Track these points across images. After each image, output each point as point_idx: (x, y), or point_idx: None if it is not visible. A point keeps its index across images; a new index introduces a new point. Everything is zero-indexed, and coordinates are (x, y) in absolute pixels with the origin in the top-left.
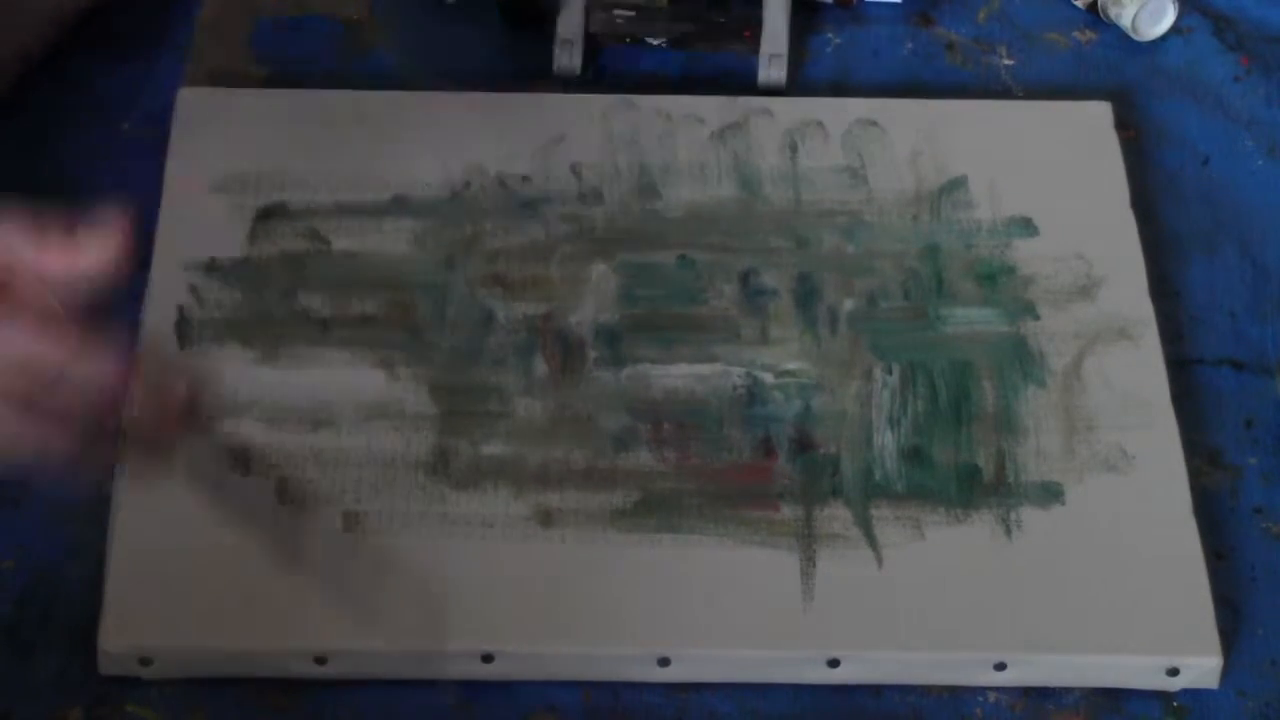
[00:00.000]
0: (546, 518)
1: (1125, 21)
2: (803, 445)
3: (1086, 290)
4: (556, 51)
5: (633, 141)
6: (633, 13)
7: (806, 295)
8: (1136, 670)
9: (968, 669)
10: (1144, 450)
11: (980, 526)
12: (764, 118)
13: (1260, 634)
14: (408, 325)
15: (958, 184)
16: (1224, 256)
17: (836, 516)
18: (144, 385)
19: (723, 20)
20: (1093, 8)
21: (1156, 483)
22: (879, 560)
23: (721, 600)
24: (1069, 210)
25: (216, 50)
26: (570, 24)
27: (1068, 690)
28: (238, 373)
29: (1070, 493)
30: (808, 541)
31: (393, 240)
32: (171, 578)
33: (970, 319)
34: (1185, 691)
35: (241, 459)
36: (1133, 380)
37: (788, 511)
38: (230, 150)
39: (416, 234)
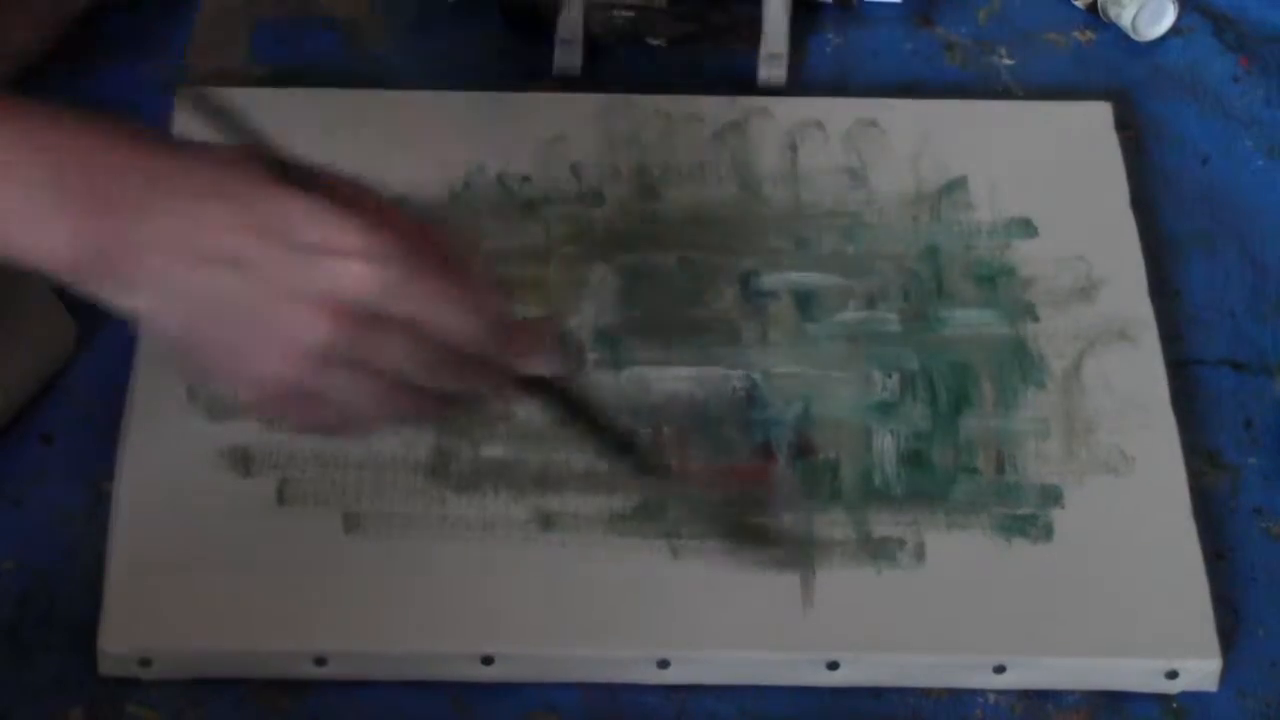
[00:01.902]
0: (546, 521)
1: (1125, 21)
2: (802, 449)
3: (1086, 291)
4: (556, 51)
5: (633, 141)
6: (633, 13)
7: (806, 297)
8: (1136, 673)
9: (967, 671)
10: (1144, 451)
11: (980, 530)
12: (764, 118)
13: (1260, 634)
14: None
15: (958, 185)
16: (1224, 256)
17: (836, 520)
18: None
19: (723, 20)
20: (1093, 8)
21: (1156, 484)
22: (878, 566)
23: (721, 603)
24: (1069, 210)
25: (216, 50)
26: (570, 24)
27: (1068, 692)
28: None
29: (1070, 495)
30: (807, 545)
31: None
32: (171, 578)
33: (970, 320)
34: (1185, 692)
35: (241, 459)
36: (1132, 381)
37: (787, 517)
38: None
39: None
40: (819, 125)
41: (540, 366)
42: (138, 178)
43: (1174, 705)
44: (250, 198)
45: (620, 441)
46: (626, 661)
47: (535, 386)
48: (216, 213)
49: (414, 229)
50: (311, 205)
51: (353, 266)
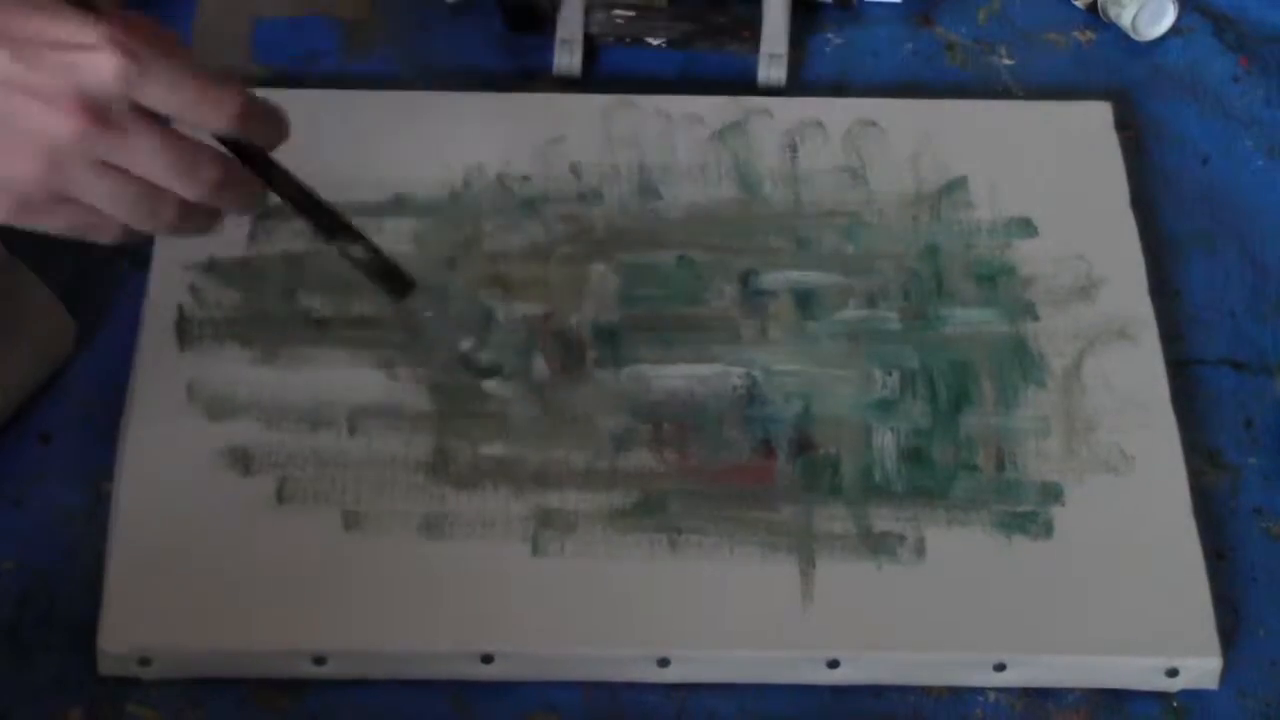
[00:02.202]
0: (546, 518)
1: (1125, 21)
2: (802, 446)
3: (1086, 290)
4: (556, 51)
5: (633, 141)
6: (633, 13)
7: (806, 295)
8: (1136, 671)
9: (967, 670)
10: (1144, 450)
11: (979, 527)
12: (764, 118)
13: (1260, 634)
14: (407, 325)
15: (958, 184)
16: (1224, 256)
17: (836, 517)
18: None
19: (723, 20)
20: (1093, 8)
21: (1156, 483)
22: (878, 561)
23: (721, 601)
24: (1069, 210)
25: (216, 50)
26: (570, 24)
27: (1068, 690)
28: (237, 372)
29: (1070, 493)
30: (807, 542)
31: (393, 240)
32: (171, 578)
33: (970, 319)
34: (1185, 691)
35: (241, 459)
36: (1132, 381)
37: (787, 512)
38: None
39: (416, 234)
40: (819, 125)
41: (262, 134)
42: None
43: (1174, 704)
44: None
45: (344, 231)
46: (626, 660)
47: (267, 174)
48: None
49: (149, 25)
50: (51, 4)
51: (96, 59)
